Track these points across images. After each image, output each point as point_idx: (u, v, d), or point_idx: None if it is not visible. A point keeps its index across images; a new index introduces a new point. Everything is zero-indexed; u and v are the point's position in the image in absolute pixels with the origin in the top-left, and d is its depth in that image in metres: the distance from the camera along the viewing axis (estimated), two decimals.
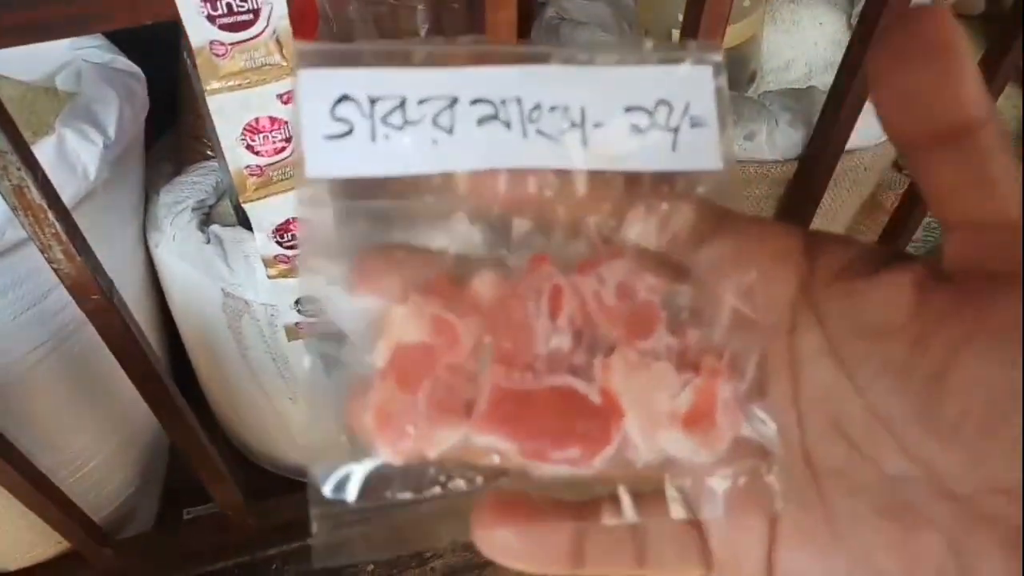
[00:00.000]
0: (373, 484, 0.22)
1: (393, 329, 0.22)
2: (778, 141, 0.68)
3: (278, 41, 0.50)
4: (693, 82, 0.24)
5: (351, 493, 0.22)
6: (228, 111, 0.50)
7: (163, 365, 0.71)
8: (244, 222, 0.71)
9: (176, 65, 0.77)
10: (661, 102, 0.24)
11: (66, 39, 0.70)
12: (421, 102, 0.23)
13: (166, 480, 0.96)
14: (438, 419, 0.22)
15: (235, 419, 0.91)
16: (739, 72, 0.75)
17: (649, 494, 0.23)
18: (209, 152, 0.76)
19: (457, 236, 0.24)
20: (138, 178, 0.74)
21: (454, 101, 0.23)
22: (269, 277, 0.60)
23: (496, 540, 0.22)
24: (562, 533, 0.23)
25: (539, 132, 0.23)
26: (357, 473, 0.22)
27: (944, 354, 0.21)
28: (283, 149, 0.53)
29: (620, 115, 0.24)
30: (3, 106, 0.48)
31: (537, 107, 0.23)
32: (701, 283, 0.24)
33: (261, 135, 0.51)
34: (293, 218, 0.56)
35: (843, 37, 0.81)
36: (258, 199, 0.54)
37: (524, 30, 0.79)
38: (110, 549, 0.81)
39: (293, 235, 0.57)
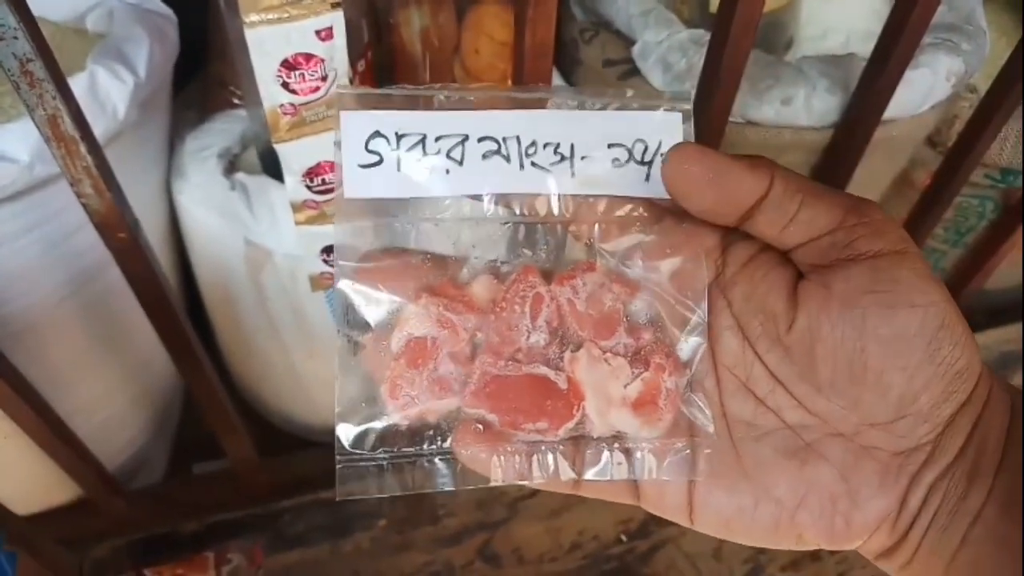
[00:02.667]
0: (385, 439, 0.28)
1: (407, 323, 0.28)
2: (815, 106, 0.67)
3: None
4: (666, 125, 0.30)
5: (367, 445, 0.28)
6: (266, 46, 0.49)
7: (183, 309, 0.70)
8: (270, 171, 0.71)
9: (204, 12, 0.76)
10: (638, 140, 0.29)
11: None
12: (438, 139, 0.28)
13: (178, 436, 0.96)
14: (438, 392, 0.28)
15: (250, 375, 0.90)
16: (776, 38, 0.74)
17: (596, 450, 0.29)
18: (236, 100, 0.75)
19: (461, 247, 0.29)
20: (164, 123, 0.73)
21: (465, 138, 0.28)
22: (297, 223, 0.59)
23: (469, 453, 0.28)
24: (517, 455, 0.28)
25: (533, 164, 0.29)
26: (373, 431, 0.28)
27: (808, 328, 0.27)
28: (318, 88, 0.52)
29: (603, 150, 0.29)
30: (40, 33, 0.47)
31: (533, 144, 0.29)
32: (648, 282, 0.29)
33: (297, 72, 0.50)
34: (325, 161, 0.56)
35: (883, 7, 0.80)
36: (290, 140, 0.53)
37: None
38: (121, 499, 0.81)
39: (324, 179, 0.57)
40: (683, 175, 0.27)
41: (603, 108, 0.29)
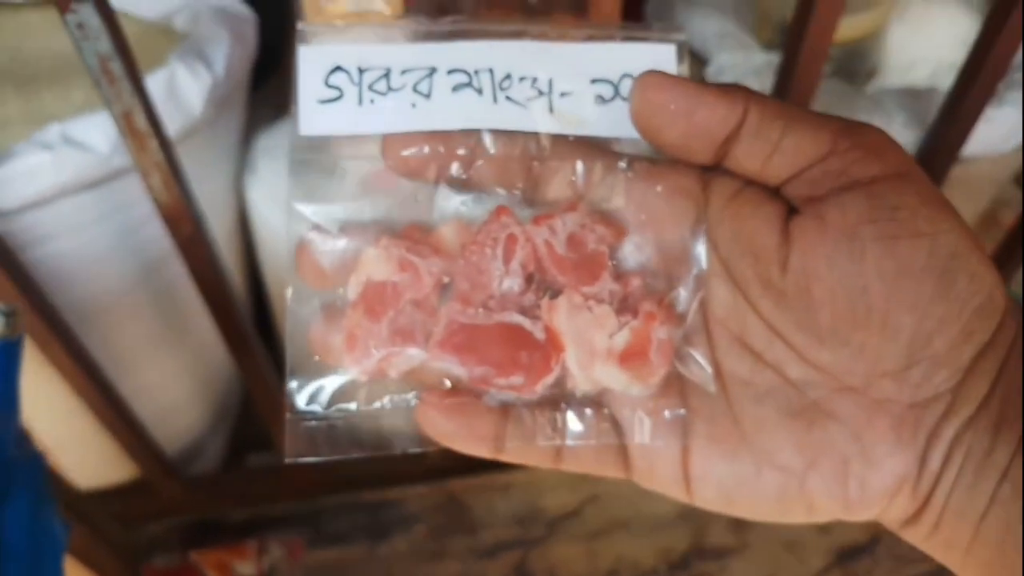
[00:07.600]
0: (341, 397, 0.26)
1: (364, 267, 0.25)
2: None
3: None
4: (656, 58, 0.27)
5: (321, 403, 0.25)
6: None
7: (244, 305, 0.72)
8: None
9: (284, 11, 0.78)
10: (625, 76, 0.27)
11: None
12: (404, 72, 0.26)
13: (236, 429, 0.99)
14: (399, 344, 0.25)
15: None
16: (858, 66, 0.72)
17: (583, 413, 0.26)
18: None
19: (425, 188, 0.26)
20: (239, 120, 0.76)
21: (433, 71, 0.26)
22: None
23: (434, 422, 0.25)
24: (487, 425, 0.25)
25: (508, 99, 0.26)
26: (327, 387, 0.26)
27: (803, 268, 0.24)
28: None
29: (586, 86, 0.26)
30: (122, 33, 0.49)
31: (508, 77, 0.26)
32: (637, 223, 0.26)
33: None
34: None
35: (972, 39, 0.77)
36: None
37: (637, 10, 0.77)
38: (175, 482, 0.83)
39: None
40: (648, 106, 0.24)
41: (587, 40, 0.27)
